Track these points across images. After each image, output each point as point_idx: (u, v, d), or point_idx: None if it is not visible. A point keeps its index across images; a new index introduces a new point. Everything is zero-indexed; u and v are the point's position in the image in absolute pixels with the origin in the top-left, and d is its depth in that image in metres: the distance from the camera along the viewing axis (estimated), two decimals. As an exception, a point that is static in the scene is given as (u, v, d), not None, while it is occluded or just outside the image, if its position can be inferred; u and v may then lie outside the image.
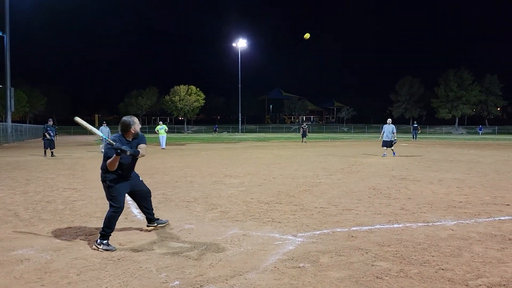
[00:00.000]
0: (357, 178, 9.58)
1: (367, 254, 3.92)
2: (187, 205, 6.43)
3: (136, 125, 4.33)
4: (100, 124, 19.69)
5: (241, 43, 63.05)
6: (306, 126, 31.19)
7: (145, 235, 4.65)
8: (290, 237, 4.54)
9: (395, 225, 5.06)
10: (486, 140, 36.59)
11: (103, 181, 4.27)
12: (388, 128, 16.00)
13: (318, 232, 4.74)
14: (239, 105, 65.31)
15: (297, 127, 60.74)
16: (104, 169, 4.23)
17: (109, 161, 4.08)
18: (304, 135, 29.63)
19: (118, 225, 4.45)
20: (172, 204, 6.49)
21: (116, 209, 4.21)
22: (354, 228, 4.91)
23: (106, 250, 4.03)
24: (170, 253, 3.98)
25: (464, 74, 70.58)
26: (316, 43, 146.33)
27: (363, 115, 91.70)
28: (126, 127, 4.27)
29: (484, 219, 5.36)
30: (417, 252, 3.97)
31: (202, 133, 62.79)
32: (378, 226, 5.00)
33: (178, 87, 74.24)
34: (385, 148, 16.24)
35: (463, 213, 5.71)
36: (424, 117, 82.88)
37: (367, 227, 4.96)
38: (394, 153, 16.09)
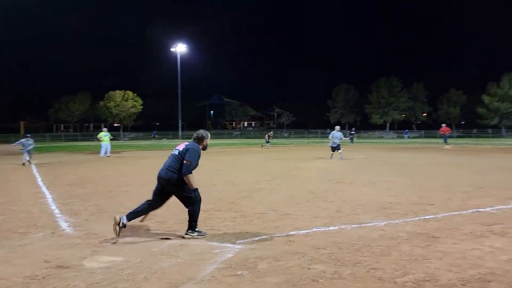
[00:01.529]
0: (296, 182, 9.80)
1: (304, 257, 3.99)
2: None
3: (208, 139, 5.15)
4: (25, 135, 18.20)
5: (180, 48, 62.01)
6: (272, 133, 33.89)
7: (74, 250, 4.36)
8: (229, 245, 4.51)
9: (331, 228, 5.22)
10: (413, 143, 39.30)
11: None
12: (337, 135, 17.22)
13: (257, 238, 4.76)
14: (179, 111, 64.07)
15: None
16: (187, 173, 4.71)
17: (192, 180, 4.76)
18: (267, 142, 30.85)
19: (44, 240, 4.13)
20: (105, 216, 6.17)
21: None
22: (292, 233, 5.00)
23: (201, 236, 4.84)
24: (102, 268, 3.76)
25: (394, 81, 75.28)
26: (256, 49, 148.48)
27: (303, 121, 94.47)
28: (201, 138, 5.04)
29: (411, 219, 5.72)
30: (351, 253, 4.12)
31: (140, 140, 60.79)
32: (315, 230, 5.13)
33: (113, 92, 71.31)
34: (332, 152, 17.19)
35: (393, 214, 6.05)
36: (358, 122, 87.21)
37: (304, 231, 5.06)
38: (341, 157, 16.76)
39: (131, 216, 4.87)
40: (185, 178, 4.73)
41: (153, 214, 6.22)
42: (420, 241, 4.54)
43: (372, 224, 5.42)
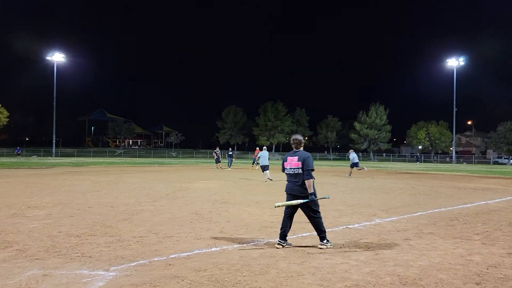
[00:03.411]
0: (181, 203, 9.55)
1: (183, 281, 3.84)
2: (-31, 245, 5.19)
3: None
4: None
5: (57, 57, 56.74)
6: (219, 151, 28.49)
7: None
8: (101, 272, 4.12)
9: (213, 249, 5.16)
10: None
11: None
12: (264, 154, 18.18)
13: (133, 264, 4.44)
14: (54, 126, 58.07)
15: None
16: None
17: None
18: (217, 161, 27.47)
19: None
20: None
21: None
22: (173, 256, 4.79)
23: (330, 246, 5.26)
24: None
25: (279, 106, 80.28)
26: (147, 66, 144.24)
27: (192, 140, 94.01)
28: (299, 143, 5.52)
29: (289, 237, 5.96)
30: (231, 273, 4.10)
31: (4, 156, 53.33)
32: (196, 252, 5.01)
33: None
34: (266, 172, 17.50)
35: (273, 232, 6.25)
36: (247, 144, 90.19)
37: (185, 254, 4.90)
38: (269, 178, 16.92)
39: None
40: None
41: (11, 241, 5.41)
42: (296, 258, 4.75)
43: (253, 243, 5.52)
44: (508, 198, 12.17)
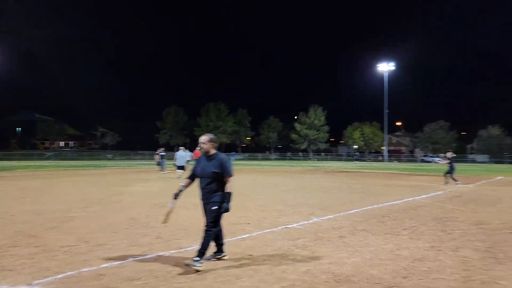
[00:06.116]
0: (116, 208, 9.12)
1: (114, 293, 3.63)
2: None
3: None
4: None
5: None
6: (164, 153, 25.09)
7: None
8: (23, 287, 3.78)
9: (148, 256, 4.97)
10: (239, 165, 42.09)
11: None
12: (182, 154, 18.50)
13: (60, 276, 4.13)
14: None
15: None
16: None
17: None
18: (160, 164, 24.25)
19: None
20: None
21: None
22: (104, 265, 4.54)
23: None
24: None
25: (221, 106, 80.00)
26: (79, 62, 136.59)
27: (129, 142, 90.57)
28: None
29: (229, 239, 5.90)
30: (167, 280, 3.97)
31: None
32: (130, 260, 4.79)
33: None
34: (180, 171, 17.84)
35: (212, 235, 6.16)
36: (188, 145, 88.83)
37: (118, 262, 4.67)
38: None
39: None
40: None
41: None
42: (235, 261, 4.72)
43: (191, 248, 5.38)
44: (432, 194, 13.14)
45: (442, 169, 19.29)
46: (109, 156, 65.71)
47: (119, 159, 59.69)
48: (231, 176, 4.56)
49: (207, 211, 4.61)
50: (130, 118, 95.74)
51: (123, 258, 4.85)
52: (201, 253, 4.37)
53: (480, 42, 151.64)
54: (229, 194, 4.51)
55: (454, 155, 17.82)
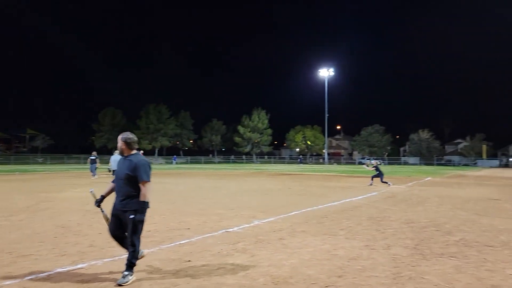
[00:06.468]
0: (45, 216, 8.50)
1: (38, 308, 3.35)
2: None
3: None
4: None
5: None
6: (95, 157, 23.16)
7: None
8: None
9: (79, 265, 4.66)
10: (180, 169, 41.32)
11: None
12: (117, 158, 16.06)
13: (-26, 293, 3.74)
14: None
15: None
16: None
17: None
18: (92, 169, 22.85)
19: None
20: None
21: None
22: (29, 278, 4.19)
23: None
24: None
25: (163, 108, 78.09)
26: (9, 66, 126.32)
27: (62, 145, 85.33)
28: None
29: (167, 245, 5.75)
30: (98, 292, 3.74)
31: None
32: (58, 270, 4.46)
33: None
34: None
35: (150, 242, 5.94)
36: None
37: (45, 274, 4.33)
38: None
39: None
40: None
41: None
42: (172, 267, 4.58)
43: (125, 255, 5.14)
44: (368, 195, 13.80)
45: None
46: (40, 160, 61.38)
47: (50, 163, 56.00)
48: (146, 182, 4.13)
49: (125, 219, 4.21)
50: (63, 120, 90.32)
51: (50, 269, 4.51)
52: (130, 266, 4.13)
53: (417, 49, 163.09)
54: (144, 203, 4.12)
55: (379, 162, 19.76)
